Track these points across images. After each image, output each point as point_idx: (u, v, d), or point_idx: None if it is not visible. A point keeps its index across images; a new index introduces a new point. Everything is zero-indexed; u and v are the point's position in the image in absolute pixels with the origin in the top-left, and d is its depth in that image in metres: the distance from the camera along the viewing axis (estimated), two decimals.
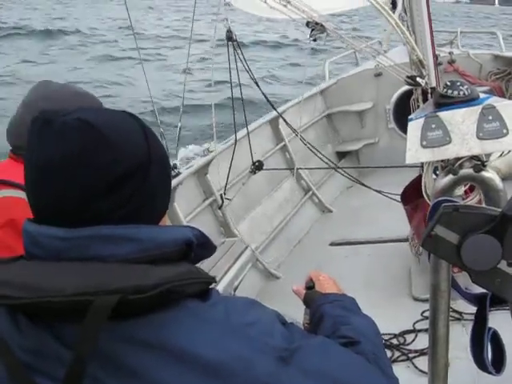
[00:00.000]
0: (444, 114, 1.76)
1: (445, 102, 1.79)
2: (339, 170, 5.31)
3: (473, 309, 1.80)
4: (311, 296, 1.36)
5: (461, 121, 1.74)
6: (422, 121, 1.77)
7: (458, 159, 1.76)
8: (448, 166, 1.80)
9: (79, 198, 0.87)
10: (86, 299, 0.79)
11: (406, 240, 4.21)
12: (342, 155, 6.43)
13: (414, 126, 1.78)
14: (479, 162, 1.75)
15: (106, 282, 0.81)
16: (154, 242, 0.88)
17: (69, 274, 0.83)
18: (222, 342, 0.85)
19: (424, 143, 1.75)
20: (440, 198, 1.71)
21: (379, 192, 4.32)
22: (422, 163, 3.30)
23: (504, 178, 4.52)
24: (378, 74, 6.20)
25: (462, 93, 1.78)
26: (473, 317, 2.79)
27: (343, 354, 0.97)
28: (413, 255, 3.91)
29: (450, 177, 1.78)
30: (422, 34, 3.35)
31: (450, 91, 1.80)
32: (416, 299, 3.43)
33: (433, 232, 1.56)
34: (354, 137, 6.52)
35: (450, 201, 1.69)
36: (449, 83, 1.82)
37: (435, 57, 3.49)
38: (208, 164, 4.11)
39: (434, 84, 3.40)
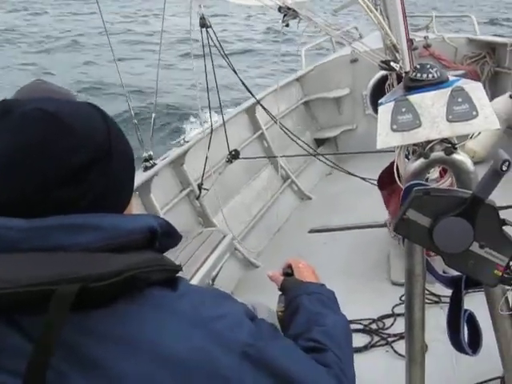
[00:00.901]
0: (414, 98, 1.75)
1: (414, 85, 1.79)
2: (318, 157, 5.31)
3: (451, 292, 1.81)
4: (289, 283, 1.35)
5: (430, 104, 1.73)
6: (391, 104, 1.77)
7: (428, 142, 1.76)
8: (419, 149, 1.80)
9: (41, 189, 0.85)
10: (49, 288, 0.77)
11: (385, 225, 4.22)
12: (320, 142, 6.42)
13: (384, 109, 1.78)
14: (450, 145, 1.75)
15: (68, 271, 0.79)
16: (117, 230, 0.87)
17: (28, 264, 0.81)
18: (187, 334, 0.84)
19: (394, 127, 1.75)
20: (412, 182, 1.70)
21: (362, 178, 4.31)
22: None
23: (480, 161, 4.57)
24: (354, 60, 6.18)
25: (431, 75, 1.77)
26: (447, 299, 2.80)
27: (307, 361, 0.97)
28: (392, 240, 3.93)
29: (422, 160, 1.78)
30: (395, 19, 3.34)
31: (419, 74, 1.80)
32: (394, 283, 3.44)
33: (405, 216, 1.56)
34: (331, 123, 6.51)
35: (422, 184, 1.68)
36: (418, 66, 1.82)
37: (409, 41, 3.49)
38: (184, 154, 4.07)
39: (408, 68, 3.38)
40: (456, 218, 1.50)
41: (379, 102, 1.82)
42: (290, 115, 6.01)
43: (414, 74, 1.80)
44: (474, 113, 1.70)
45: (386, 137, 1.75)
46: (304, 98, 6.44)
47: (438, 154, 1.76)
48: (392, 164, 3.69)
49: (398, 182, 2.79)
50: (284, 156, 5.08)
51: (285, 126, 4.91)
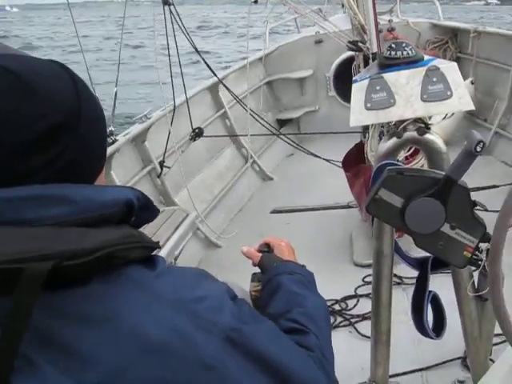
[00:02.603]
0: (388, 76, 1.72)
1: (389, 63, 1.76)
2: (280, 137, 5.28)
3: (413, 273, 1.81)
4: (269, 260, 1.30)
5: (405, 82, 1.71)
6: (366, 82, 1.73)
7: (402, 122, 1.74)
8: (392, 128, 1.77)
9: (5, 153, 0.77)
10: (16, 267, 0.70)
11: (347, 206, 4.23)
12: (282, 123, 6.39)
13: (359, 87, 1.74)
14: (423, 125, 1.73)
15: (37, 248, 0.72)
16: (90, 202, 0.79)
17: None
18: (168, 317, 0.78)
19: (368, 105, 1.72)
20: (384, 162, 1.68)
21: (325, 159, 4.28)
22: (364, 129, 3.30)
23: None
24: (319, 41, 6.16)
25: (405, 53, 1.75)
26: (413, 281, 2.83)
27: (292, 347, 0.93)
28: (355, 221, 3.94)
29: (394, 140, 1.76)
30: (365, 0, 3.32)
31: (393, 52, 1.77)
32: (357, 265, 3.45)
33: (377, 196, 1.54)
34: (294, 104, 6.49)
35: (394, 164, 1.66)
36: (394, 45, 1.79)
37: (377, 22, 3.47)
38: (146, 131, 3.97)
39: (375, 49, 3.38)
40: (428, 199, 1.49)
41: (353, 79, 1.79)
42: (252, 95, 5.95)
43: (388, 52, 1.77)
44: (449, 93, 1.68)
45: (360, 115, 1.72)
46: (267, 77, 6.39)
47: (410, 133, 1.74)
48: (356, 145, 3.70)
49: (368, 160, 2.78)
50: (247, 135, 5.03)
51: (249, 105, 4.85)
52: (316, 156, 4.29)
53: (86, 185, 0.84)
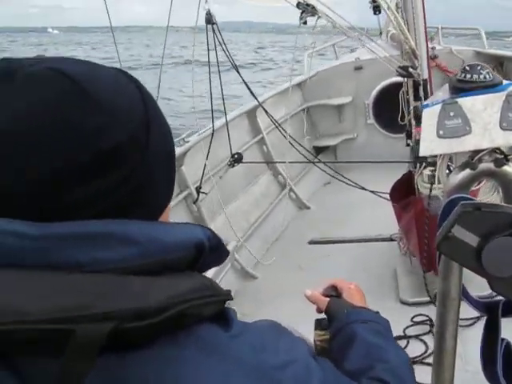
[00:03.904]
0: (464, 101, 1.56)
1: (463, 87, 1.60)
2: (317, 165, 5.12)
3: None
4: (338, 306, 1.15)
5: (482, 108, 1.55)
6: (439, 107, 1.57)
7: (477, 152, 1.57)
8: (467, 159, 1.61)
9: (51, 180, 0.61)
10: (65, 328, 0.55)
11: (389, 239, 4.04)
12: (319, 150, 6.24)
13: (430, 113, 1.58)
14: (502, 156, 1.56)
15: (92, 303, 0.57)
16: (156, 244, 0.63)
17: (34, 288, 0.57)
18: None
19: (441, 133, 1.55)
20: (456, 195, 1.51)
21: (372, 192, 4.09)
22: (414, 158, 3.13)
23: None
24: (359, 68, 6.03)
25: (482, 77, 1.59)
26: (467, 323, 2.62)
27: None
28: (398, 256, 3.74)
29: (468, 171, 1.59)
30: (417, 24, 3.18)
31: (469, 75, 1.61)
32: (403, 303, 3.25)
33: (450, 233, 1.37)
34: (332, 132, 6.35)
35: (468, 198, 1.50)
36: (468, 67, 1.63)
37: (428, 48, 3.34)
38: (183, 155, 3.85)
39: (426, 76, 3.23)
40: (510, 238, 1.31)
41: (424, 104, 1.64)
42: (289, 121, 5.81)
43: (462, 74, 1.62)
44: None
45: (431, 143, 1.56)
46: (304, 104, 6.26)
47: (486, 165, 1.57)
48: (405, 176, 3.52)
49: (418, 192, 2.59)
50: (286, 162, 4.89)
51: (286, 131, 4.72)
52: (362, 188, 4.08)
53: (150, 221, 0.68)
